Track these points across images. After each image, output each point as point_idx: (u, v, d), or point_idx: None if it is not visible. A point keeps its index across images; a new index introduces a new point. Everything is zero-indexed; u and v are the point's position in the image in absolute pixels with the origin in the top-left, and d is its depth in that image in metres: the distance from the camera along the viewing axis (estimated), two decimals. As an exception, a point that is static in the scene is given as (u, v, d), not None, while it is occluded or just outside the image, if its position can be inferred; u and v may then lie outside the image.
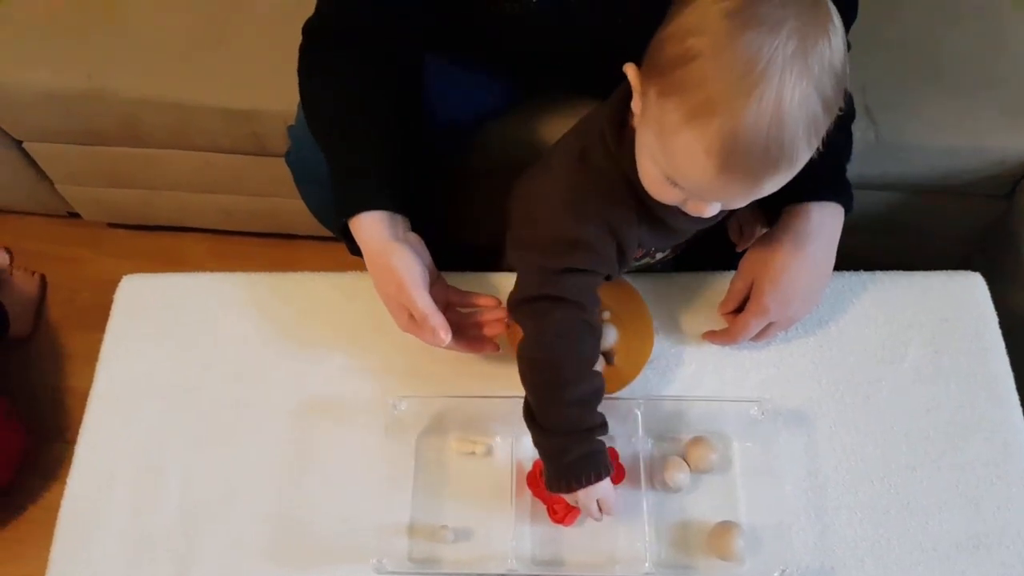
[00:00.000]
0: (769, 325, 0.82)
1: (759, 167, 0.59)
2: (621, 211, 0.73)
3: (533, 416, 0.75)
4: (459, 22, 0.88)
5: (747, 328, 0.82)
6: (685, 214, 0.69)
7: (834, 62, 0.58)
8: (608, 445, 0.81)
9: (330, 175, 0.83)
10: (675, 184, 0.64)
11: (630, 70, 0.65)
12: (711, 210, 0.67)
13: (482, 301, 0.84)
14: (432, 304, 0.77)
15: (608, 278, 0.78)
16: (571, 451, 0.73)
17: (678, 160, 0.62)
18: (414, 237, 0.81)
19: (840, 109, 0.61)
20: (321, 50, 0.85)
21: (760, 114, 0.56)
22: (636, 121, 0.67)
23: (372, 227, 0.78)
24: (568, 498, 0.75)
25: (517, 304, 0.77)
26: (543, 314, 0.74)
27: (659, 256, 0.88)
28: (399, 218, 0.80)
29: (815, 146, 0.60)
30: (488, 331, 0.83)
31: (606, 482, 0.74)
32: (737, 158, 0.58)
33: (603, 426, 0.75)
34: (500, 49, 0.92)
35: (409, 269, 0.77)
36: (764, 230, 0.84)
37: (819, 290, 0.82)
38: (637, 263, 0.88)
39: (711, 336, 0.86)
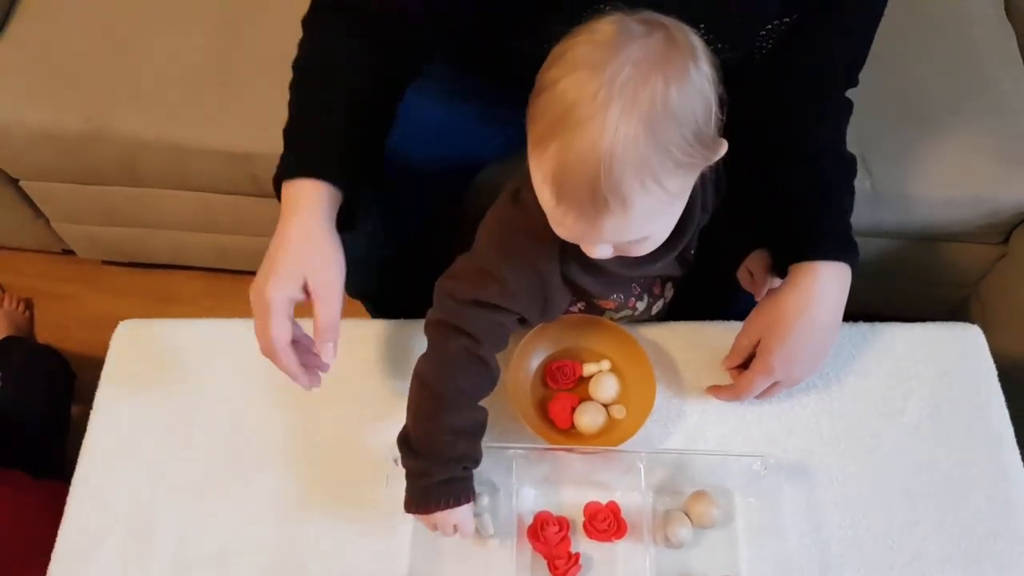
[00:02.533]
0: (774, 384, 0.82)
1: (588, 204, 0.59)
2: (546, 250, 0.73)
3: (407, 435, 0.75)
4: (473, 51, 0.88)
5: (752, 386, 0.82)
6: (620, 257, 0.69)
7: (675, 110, 0.57)
8: (610, 499, 0.80)
9: (284, 129, 0.78)
10: (554, 224, 0.66)
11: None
12: (599, 252, 0.66)
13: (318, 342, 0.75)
14: (293, 358, 0.73)
15: (524, 322, 0.78)
16: (434, 475, 0.73)
17: (536, 187, 0.64)
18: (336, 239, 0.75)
19: (691, 159, 0.60)
20: (323, 10, 0.82)
21: (585, 148, 0.57)
22: None
23: (307, 194, 0.73)
24: (425, 520, 0.75)
25: (427, 322, 0.77)
26: (441, 339, 0.74)
27: (640, 307, 0.88)
28: (337, 200, 0.75)
29: (658, 194, 0.60)
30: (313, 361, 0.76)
31: (464, 508, 0.74)
32: (567, 190, 0.59)
33: (474, 460, 0.75)
34: (509, 86, 0.92)
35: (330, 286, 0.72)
36: (775, 278, 0.84)
37: (825, 351, 0.83)
38: (617, 315, 0.88)
39: (716, 391, 0.86)
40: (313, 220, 0.73)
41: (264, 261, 0.74)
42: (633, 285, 0.86)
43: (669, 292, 0.91)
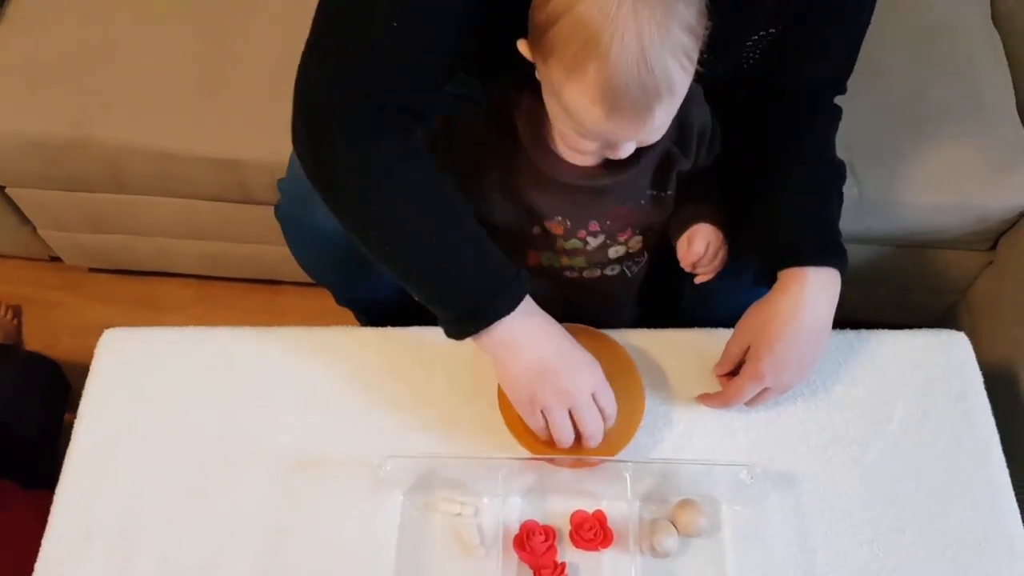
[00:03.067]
0: (764, 390, 0.82)
1: (642, 101, 0.64)
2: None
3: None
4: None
5: (742, 393, 0.82)
6: (558, 162, 0.76)
7: None
8: (596, 508, 0.80)
9: (433, 283, 0.76)
10: (585, 136, 0.69)
11: (522, 45, 0.69)
12: (626, 151, 0.71)
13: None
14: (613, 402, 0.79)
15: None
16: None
17: (573, 114, 0.67)
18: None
19: (705, 28, 0.65)
20: (372, 132, 0.73)
21: (625, 54, 0.61)
22: (544, 91, 0.71)
23: (517, 318, 0.74)
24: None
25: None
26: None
27: (592, 243, 0.86)
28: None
29: (690, 69, 0.65)
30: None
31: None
32: (618, 99, 0.63)
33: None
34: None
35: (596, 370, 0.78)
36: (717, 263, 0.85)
37: (815, 357, 0.83)
38: (567, 244, 0.86)
39: (705, 399, 0.86)
40: (552, 327, 0.78)
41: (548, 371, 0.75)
42: (592, 220, 0.84)
43: (636, 243, 0.88)
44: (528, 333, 0.76)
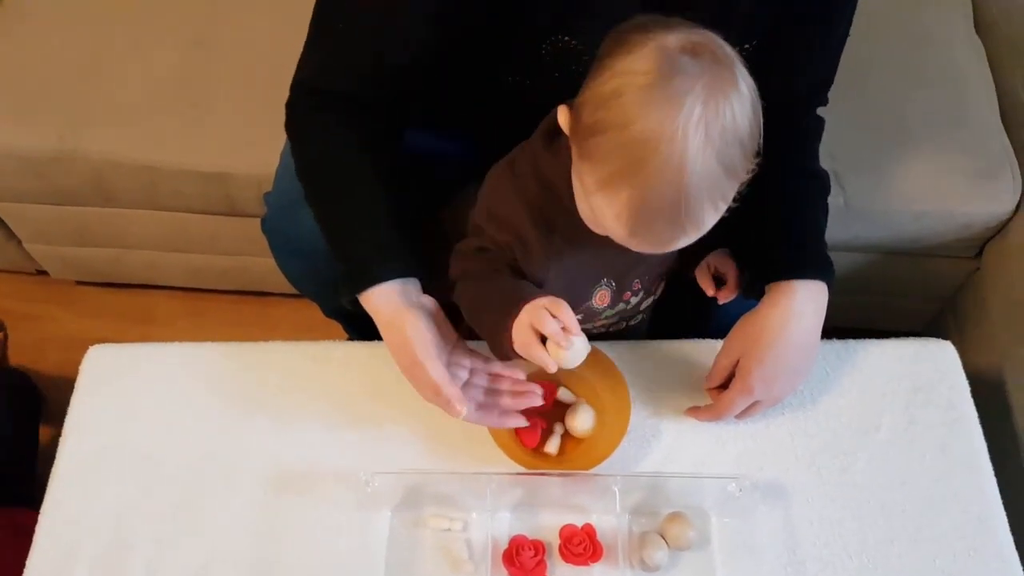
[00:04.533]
0: (754, 403, 0.82)
1: (666, 233, 0.62)
2: (532, 207, 0.74)
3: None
4: (455, 91, 0.88)
5: (732, 406, 0.82)
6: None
7: (738, 130, 0.59)
8: (586, 521, 0.80)
9: (329, 245, 0.82)
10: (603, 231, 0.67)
11: (562, 114, 0.66)
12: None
13: (505, 373, 0.81)
14: (445, 375, 0.76)
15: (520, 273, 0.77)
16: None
17: (596, 215, 0.65)
18: (429, 300, 0.80)
19: (748, 172, 0.63)
20: (309, 111, 0.84)
21: (664, 188, 0.59)
22: (573, 169, 0.68)
23: (382, 299, 0.78)
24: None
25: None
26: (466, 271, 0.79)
27: (633, 301, 0.86)
28: (410, 283, 0.80)
29: (722, 209, 0.63)
30: (513, 402, 0.80)
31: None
32: (645, 227, 0.62)
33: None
34: (495, 117, 0.92)
35: (421, 338, 0.76)
36: (735, 284, 0.84)
37: (805, 370, 0.83)
38: (613, 311, 0.86)
39: (695, 412, 0.85)
40: (386, 315, 0.79)
41: (402, 362, 0.79)
42: (635, 279, 0.84)
43: (660, 289, 0.90)
44: (384, 322, 0.79)
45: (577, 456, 0.83)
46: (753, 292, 0.83)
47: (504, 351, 0.74)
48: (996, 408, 1.06)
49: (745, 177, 0.63)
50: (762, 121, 0.63)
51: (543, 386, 0.85)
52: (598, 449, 0.82)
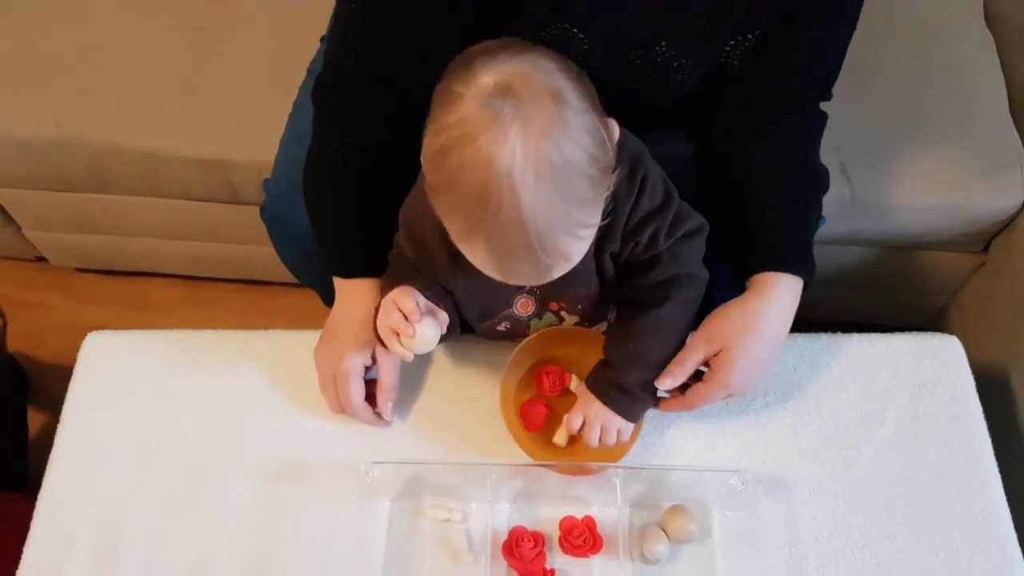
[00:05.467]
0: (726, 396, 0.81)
1: (534, 273, 0.63)
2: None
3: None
4: None
5: (708, 399, 0.80)
6: None
7: (570, 160, 0.58)
8: (586, 514, 0.80)
9: (324, 225, 0.85)
10: None
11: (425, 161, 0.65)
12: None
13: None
14: (370, 411, 0.83)
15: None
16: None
17: (471, 259, 0.65)
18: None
19: (608, 188, 0.63)
20: (332, 105, 0.85)
21: (510, 235, 0.59)
22: None
23: (371, 291, 0.82)
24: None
25: None
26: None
27: (568, 319, 0.85)
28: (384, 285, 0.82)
29: (586, 236, 0.63)
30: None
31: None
32: (511, 269, 0.63)
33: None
34: None
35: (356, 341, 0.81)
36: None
37: (773, 360, 0.82)
38: (541, 322, 0.84)
39: (666, 405, 0.82)
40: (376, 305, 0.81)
41: (332, 334, 0.84)
42: (553, 302, 0.83)
43: (571, 318, 0.85)
44: (343, 299, 0.84)
45: (588, 450, 0.81)
46: (737, 278, 0.82)
47: None
48: (1000, 403, 1.05)
49: (605, 194, 0.62)
50: (604, 137, 0.62)
51: (556, 372, 0.85)
52: (611, 452, 0.81)
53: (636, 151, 0.72)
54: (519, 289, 0.81)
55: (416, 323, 0.73)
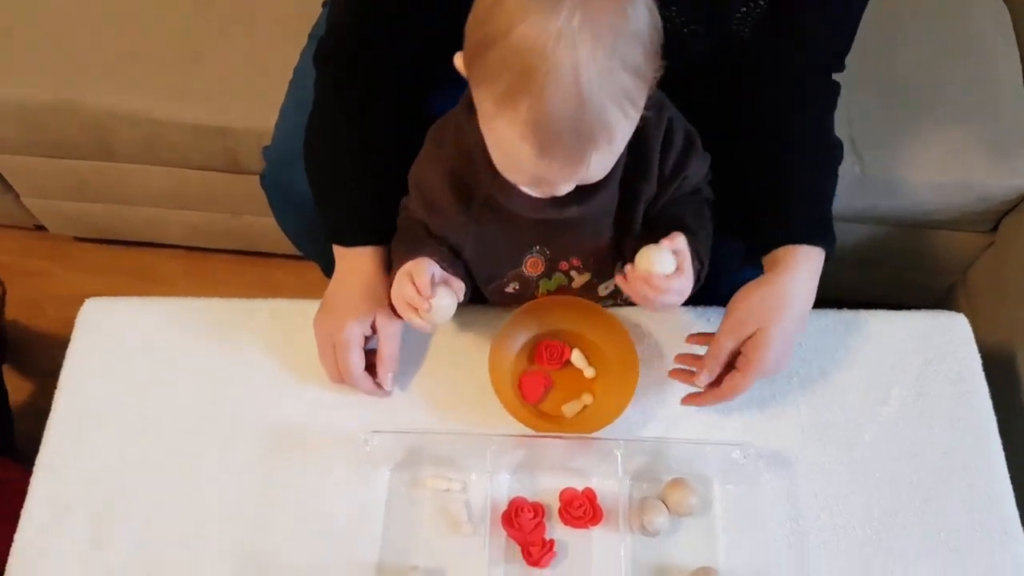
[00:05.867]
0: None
1: (575, 146, 0.59)
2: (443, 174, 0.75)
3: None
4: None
5: (746, 387, 0.78)
6: (522, 196, 0.70)
7: (632, 23, 0.57)
8: (586, 484, 0.79)
9: (325, 193, 0.84)
10: (516, 172, 0.65)
11: (458, 59, 0.64)
12: (561, 190, 0.67)
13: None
14: (370, 381, 0.83)
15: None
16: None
17: (502, 146, 0.62)
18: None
19: (654, 73, 0.60)
20: (334, 70, 0.84)
21: (560, 95, 0.56)
22: (479, 116, 0.66)
23: (373, 260, 0.82)
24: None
25: None
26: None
27: (578, 279, 0.84)
28: (386, 252, 0.82)
29: (633, 116, 0.60)
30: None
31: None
32: (550, 142, 0.58)
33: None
34: None
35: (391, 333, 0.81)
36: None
37: (800, 336, 0.81)
38: (551, 282, 0.83)
39: (694, 399, 0.80)
40: (377, 276, 0.82)
41: (330, 302, 0.84)
42: (572, 255, 0.81)
43: (581, 276, 0.84)
44: (343, 267, 0.83)
45: (581, 418, 0.82)
46: (750, 256, 0.81)
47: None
48: (1006, 383, 1.05)
49: (650, 76, 0.60)
50: (659, 23, 0.60)
51: (554, 347, 0.84)
52: (604, 412, 0.80)
53: (660, 97, 0.71)
54: (529, 248, 0.80)
55: (431, 297, 0.71)
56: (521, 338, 0.85)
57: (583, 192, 0.70)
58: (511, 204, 0.73)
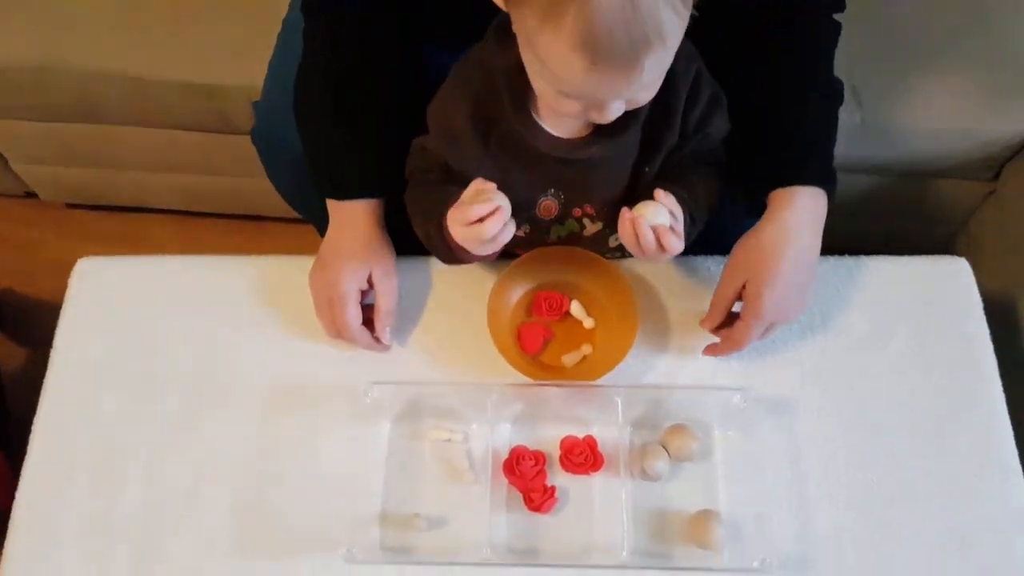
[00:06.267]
0: (769, 325, 0.79)
1: (628, 50, 0.57)
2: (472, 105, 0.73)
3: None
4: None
5: (750, 334, 0.77)
6: (545, 133, 0.70)
7: None
8: (587, 433, 0.79)
9: (318, 146, 0.83)
10: (566, 94, 0.63)
11: None
12: (613, 111, 0.65)
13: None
14: (367, 335, 0.82)
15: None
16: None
17: (550, 66, 0.60)
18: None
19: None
20: (322, 18, 0.83)
21: None
22: (520, 44, 0.64)
23: (368, 214, 0.81)
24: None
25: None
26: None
27: (590, 227, 0.83)
28: (381, 205, 0.82)
29: (685, 15, 0.58)
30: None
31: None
32: (601, 48, 0.56)
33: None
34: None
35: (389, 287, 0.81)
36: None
37: (809, 284, 0.80)
38: (563, 228, 0.83)
39: (713, 350, 0.81)
40: (373, 229, 0.82)
41: (326, 257, 0.83)
42: (586, 202, 0.81)
43: (594, 225, 0.83)
44: (338, 222, 0.83)
45: (581, 367, 0.81)
46: (754, 207, 0.80)
47: (438, 255, 0.80)
48: (1007, 332, 1.04)
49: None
50: None
51: (553, 298, 0.84)
52: (604, 360, 0.80)
53: (690, 49, 0.70)
54: (544, 191, 0.79)
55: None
56: (520, 290, 0.85)
57: (608, 130, 0.69)
58: (535, 140, 0.72)
